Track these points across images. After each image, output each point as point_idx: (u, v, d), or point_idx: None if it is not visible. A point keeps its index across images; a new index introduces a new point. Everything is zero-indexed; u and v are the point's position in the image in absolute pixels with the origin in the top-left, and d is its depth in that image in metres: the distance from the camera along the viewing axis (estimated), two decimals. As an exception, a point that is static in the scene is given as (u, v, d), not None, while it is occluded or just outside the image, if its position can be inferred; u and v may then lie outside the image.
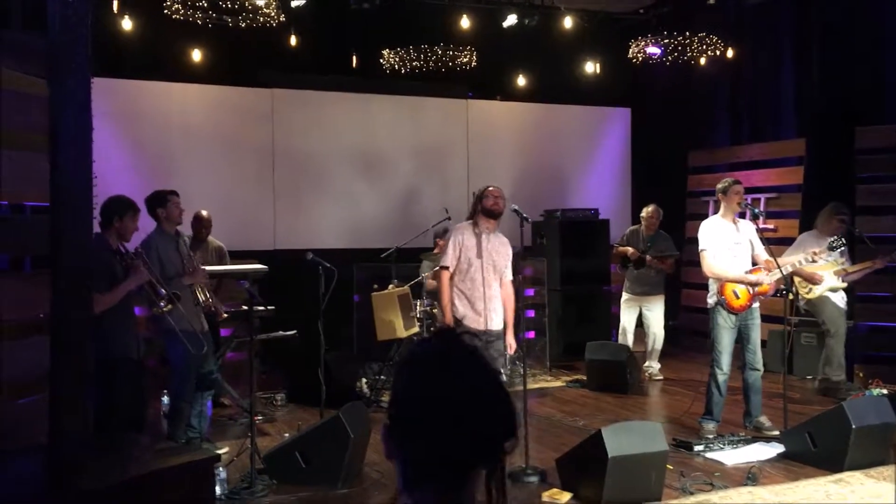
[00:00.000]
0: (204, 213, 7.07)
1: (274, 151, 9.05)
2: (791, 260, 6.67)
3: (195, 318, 5.55)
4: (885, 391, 6.77)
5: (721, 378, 5.97)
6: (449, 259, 5.45)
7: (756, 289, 5.99)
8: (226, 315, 6.07)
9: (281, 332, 7.24)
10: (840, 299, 7.28)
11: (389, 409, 1.37)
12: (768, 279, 5.97)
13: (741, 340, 6.05)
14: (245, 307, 5.70)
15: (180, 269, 5.49)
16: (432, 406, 1.31)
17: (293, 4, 7.91)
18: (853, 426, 5.05)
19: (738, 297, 5.95)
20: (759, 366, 6.05)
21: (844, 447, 5.08)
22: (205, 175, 8.32)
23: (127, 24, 7.76)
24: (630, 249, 8.25)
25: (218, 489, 4.60)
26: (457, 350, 1.37)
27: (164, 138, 8.50)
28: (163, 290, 5.12)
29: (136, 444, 4.71)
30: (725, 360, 5.95)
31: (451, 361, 1.35)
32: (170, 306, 5.10)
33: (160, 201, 5.56)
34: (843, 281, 7.23)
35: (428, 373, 1.35)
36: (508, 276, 5.64)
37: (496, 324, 5.48)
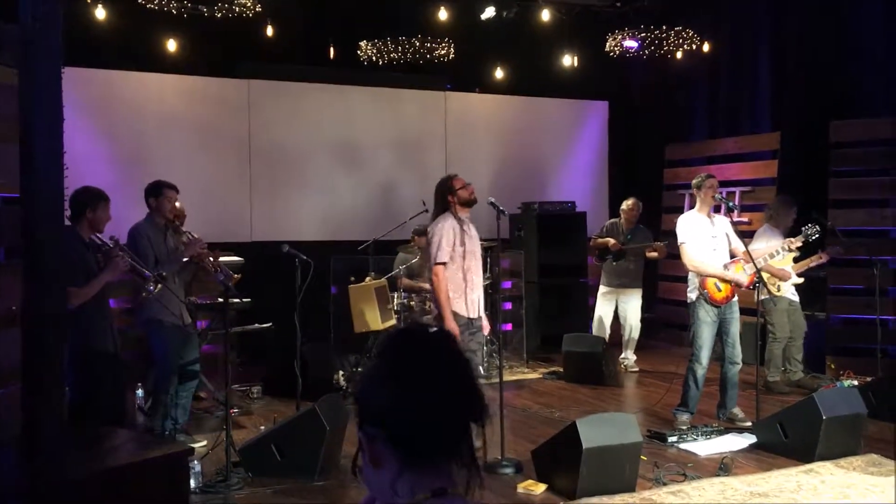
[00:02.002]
0: (178, 204, 7.02)
1: (251, 143, 9.00)
2: (768, 250, 6.73)
3: (178, 309, 5.54)
4: (855, 382, 6.86)
5: (700, 372, 6.03)
6: (445, 253, 5.39)
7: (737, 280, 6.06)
8: (237, 276, 6.00)
9: (257, 325, 7.23)
10: (792, 293, 7.35)
11: (367, 408, 1.39)
12: (745, 280, 6.03)
13: (720, 334, 6.11)
14: (220, 299, 5.67)
15: (167, 258, 5.47)
16: (419, 395, 1.34)
17: (270, -5, 7.85)
18: (824, 417, 5.13)
19: (719, 290, 6.01)
20: (738, 360, 6.12)
21: (815, 438, 5.16)
22: (180, 166, 8.23)
23: (100, 13, 7.66)
24: (611, 241, 8.29)
25: (193, 482, 4.57)
26: (426, 339, 1.41)
27: (139, 129, 8.42)
28: (147, 272, 5.10)
29: (113, 436, 4.68)
30: (705, 354, 6.02)
31: (430, 352, 1.39)
32: (159, 286, 5.06)
33: (155, 191, 5.58)
34: (797, 276, 7.29)
35: (401, 364, 1.38)
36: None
37: (481, 312, 5.59)
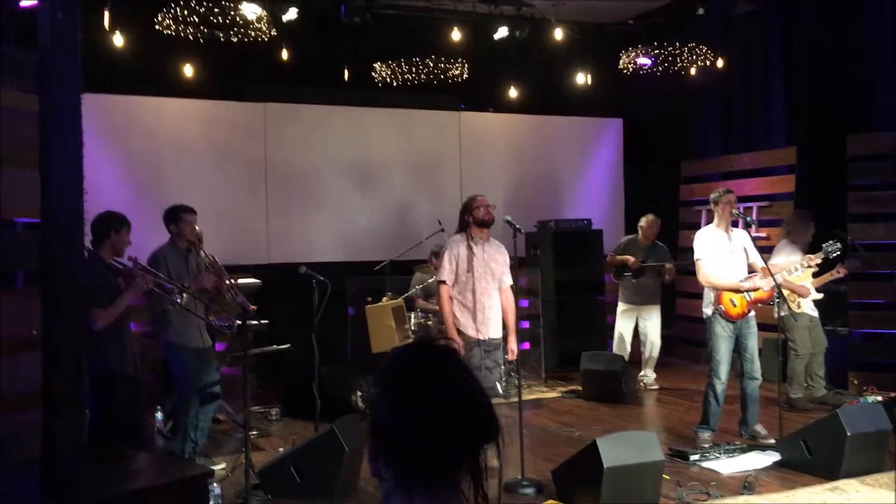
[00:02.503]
0: (196, 227, 7.06)
1: (266, 165, 9.05)
2: (787, 265, 6.68)
3: (197, 333, 5.58)
4: (879, 398, 6.77)
5: (719, 388, 5.96)
6: (446, 273, 5.50)
7: (753, 296, 6.00)
8: (254, 308, 6.03)
9: (275, 346, 7.23)
10: (811, 308, 7.28)
11: (372, 422, 1.38)
12: (765, 285, 5.98)
13: (738, 350, 6.05)
14: (239, 321, 5.68)
15: (187, 280, 5.52)
16: (415, 410, 1.32)
17: (284, 19, 7.93)
18: (848, 433, 5.06)
19: (735, 306, 5.96)
20: (758, 375, 6.05)
21: (840, 454, 5.08)
22: (197, 189, 8.29)
23: (118, 39, 7.76)
24: (631, 258, 8.25)
25: (212, 504, 4.57)
26: (434, 355, 1.39)
27: (157, 153, 8.49)
28: (170, 285, 5.21)
29: (132, 459, 4.69)
30: (724, 369, 5.95)
31: (429, 367, 1.37)
32: (184, 296, 5.14)
33: (173, 217, 5.65)
34: (816, 291, 7.22)
35: (406, 379, 1.37)
36: (507, 281, 5.67)
37: (495, 332, 5.55)
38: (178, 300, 5.12)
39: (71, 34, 3.61)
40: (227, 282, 5.71)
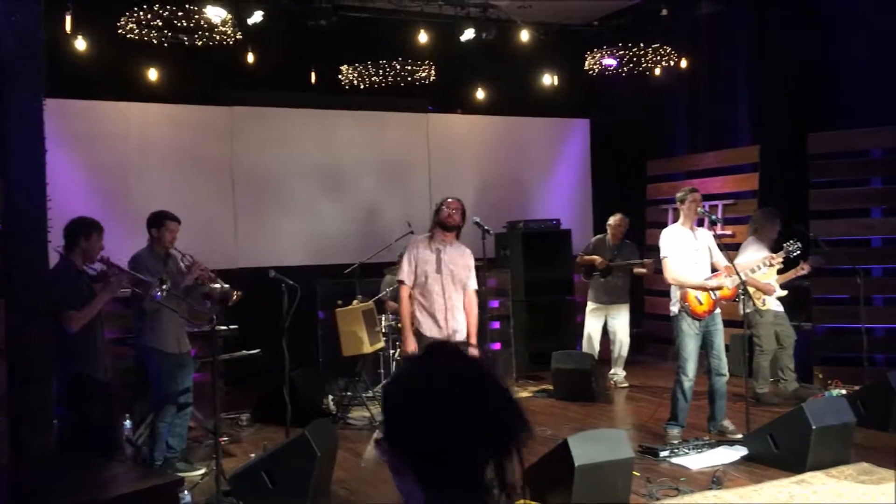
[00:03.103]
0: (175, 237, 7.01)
1: (234, 169, 8.99)
2: (750, 264, 6.78)
3: (174, 338, 5.57)
4: (843, 391, 6.89)
5: (687, 385, 6.04)
6: (405, 274, 5.53)
7: (718, 293, 6.08)
8: (238, 295, 5.98)
9: (245, 351, 7.18)
10: (777, 305, 7.39)
11: (388, 432, 1.35)
12: (729, 283, 6.07)
13: (705, 346, 6.13)
14: (208, 327, 5.64)
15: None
16: (436, 422, 1.29)
17: (250, 22, 7.88)
18: (813, 427, 5.14)
19: (700, 303, 6.04)
20: (725, 371, 6.14)
21: (806, 448, 5.17)
22: (164, 195, 8.20)
23: (81, 44, 7.67)
24: (598, 258, 8.32)
25: (183, 512, 4.53)
26: (450, 362, 1.36)
27: (122, 158, 8.40)
28: (148, 279, 5.19)
29: (102, 467, 4.64)
30: (691, 366, 6.03)
31: (446, 376, 1.33)
32: (165, 286, 5.10)
33: (157, 222, 5.66)
34: (781, 288, 7.34)
35: (426, 389, 1.33)
36: (472, 285, 5.65)
37: (459, 335, 5.50)
38: (159, 293, 5.08)
39: (32, 38, 3.57)
40: (210, 275, 5.72)
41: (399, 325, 7.42)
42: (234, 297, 5.91)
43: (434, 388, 1.32)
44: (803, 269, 7.28)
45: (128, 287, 5.19)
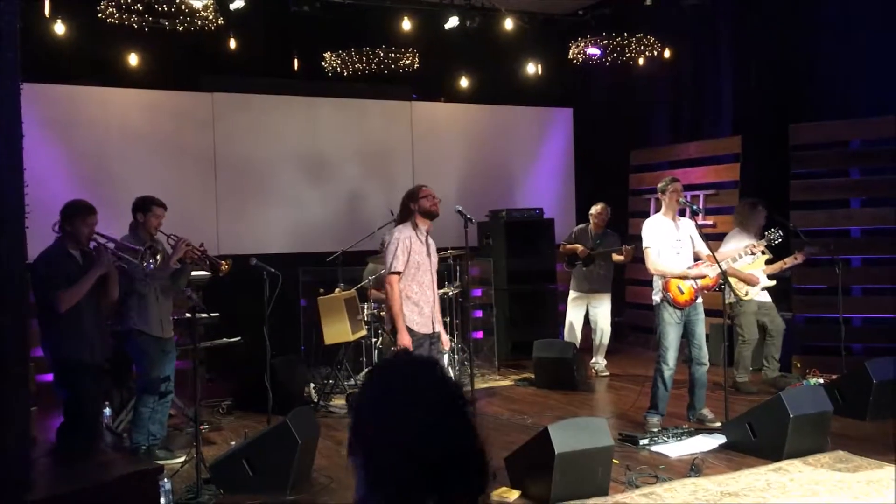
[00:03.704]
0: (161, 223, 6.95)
1: (216, 156, 8.94)
2: (731, 253, 6.83)
3: (158, 322, 5.55)
4: (821, 380, 6.97)
5: (667, 373, 6.08)
6: (400, 262, 5.20)
7: (699, 283, 6.12)
8: (226, 265, 5.91)
9: (226, 339, 7.16)
10: (761, 295, 7.45)
11: (356, 426, 1.37)
12: (711, 272, 6.10)
13: (686, 336, 6.17)
14: (188, 315, 5.61)
15: (155, 271, 5.45)
16: (395, 431, 1.30)
17: (232, 7, 7.82)
18: (791, 415, 5.20)
19: (682, 293, 6.07)
20: (705, 360, 6.19)
21: (783, 436, 5.22)
22: (145, 181, 8.13)
23: (59, 28, 7.58)
24: (580, 247, 8.35)
25: (163, 500, 4.51)
26: (399, 374, 1.39)
27: (102, 144, 8.32)
28: (137, 246, 5.21)
29: (81, 455, 4.63)
30: (672, 355, 6.07)
31: (418, 394, 1.35)
32: (158, 256, 5.15)
33: (144, 207, 5.61)
34: (770, 278, 7.40)
35: (394, 400, 1.34)
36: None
37: (438, 326, 5.47)
38: (151, 263, 5.08)
39: (9, 22, 3.52)
40: (197, 251, 5.68)
41: (381, 313, 7.45)
42: (224, 266, 5.84)
43: (381, 391, 1.35)
44: (797, 260, 7.33)
45: (116, 261, 5.13)
